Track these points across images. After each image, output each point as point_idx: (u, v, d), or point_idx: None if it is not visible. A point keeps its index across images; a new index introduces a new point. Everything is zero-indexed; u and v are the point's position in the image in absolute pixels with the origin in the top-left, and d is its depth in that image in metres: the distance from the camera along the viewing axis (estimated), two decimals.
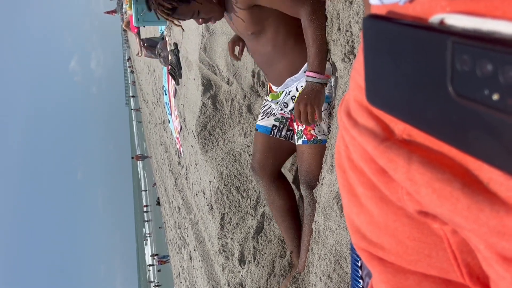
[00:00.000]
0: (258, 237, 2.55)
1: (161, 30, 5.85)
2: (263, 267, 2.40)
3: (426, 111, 0.31)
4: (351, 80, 0.46)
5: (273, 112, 1.83)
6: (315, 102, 1.44)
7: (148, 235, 55.26)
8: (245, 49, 1.89)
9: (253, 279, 2.45)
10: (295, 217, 1.94)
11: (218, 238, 2.90)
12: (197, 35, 3.24)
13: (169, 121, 5.80)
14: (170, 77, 4.59)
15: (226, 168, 2.92)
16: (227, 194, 2.85)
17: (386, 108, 0.36)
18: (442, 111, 0.29)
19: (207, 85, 3.15)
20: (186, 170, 4.70)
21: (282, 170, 2.03)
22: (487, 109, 0.25)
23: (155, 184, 16.03)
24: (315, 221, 1.63)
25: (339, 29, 1.46)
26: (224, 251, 2.88)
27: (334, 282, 1.40)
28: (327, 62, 1.55)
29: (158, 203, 14.05)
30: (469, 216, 0.31)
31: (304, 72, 1.63)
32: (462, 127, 0.28)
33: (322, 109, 1.51)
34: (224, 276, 2.92)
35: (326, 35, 1.48)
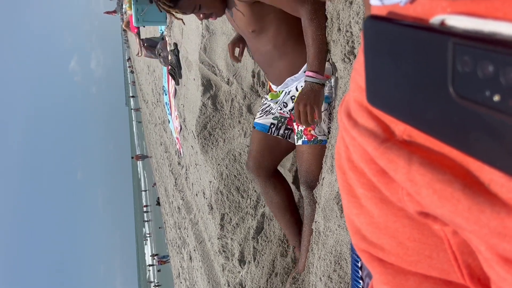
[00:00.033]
0: (258, 237, 2.55)
1: (161, 30, 5.85)
2: (263, 267, 2.40)
3: (426, 112, 0.31)
4: (351, 81, 0.46)
5: (272, 111, 1.82)
6: (315, 102, 1.44)
7: (148, 235, 55.27)
8: (245, 49, 1.89)
9: (253, 279, 2.45)
10: (294, 212, 1.93)
11: (218, 238, 2.90)
12: (197, 35, 3.24)
13: (169, 121, 5.80)
14: (170, 77, 4.59)
15: (226, 168, 2.92)
16: (227, 194, 2.85)
17: (387, 109, 0.36)
18: (443, 112, 0.29)
19: (207, 85, 3.15)
20: (186, 170, 4.70)
21: (282, 170, 2.03)
22: (488, 110, 0.25)
23: (155, 184, 16.03)
24: (315, 222, 1.63)
25: (339, 29, 1.46)
26: (224, 251, 2.88)
27: (334, 282, 1.40)
28: (327, 63, 1.55)
29: (158, 203, 14.05)
30: (469, 217, 0.31)
31: (304, 72, 1.63)
32: (463, 128, 0.28)
33: (322, 109, 1.51)
34: (224, 276, 2.92)
35: (326, 36, 1.48)
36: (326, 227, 1.49)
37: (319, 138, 1.63)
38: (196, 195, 4.09)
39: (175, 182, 5.77)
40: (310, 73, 1.45)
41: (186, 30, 3.70)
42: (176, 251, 6.88)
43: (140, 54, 6.05)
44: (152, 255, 39.66)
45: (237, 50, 1.86)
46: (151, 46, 5.53)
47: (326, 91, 1.60)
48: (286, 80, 1.68)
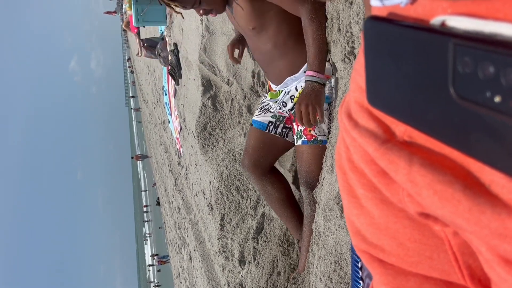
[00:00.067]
0: (258, 237, 2.55)
1: (161, 30, 5.86)
2: (263, 267, 2.40)
3: (427, 113, 0.31)
4: (352, 81, 0.46)
5: (271, 109, 1.82)
6: (316, 102, 1.43)
7: (148, 235, 55.28)
8: (245, 50, 1.89)
9: (253, 280, 2.45)
10: (294, 206, 1.92)
11: (218, 238, 2.90)
12: (197, 35, 3.24)
13: (169, 121, 5.80)
14: (170, 77, 4.60)
15: (226, 168, 2.92)
16: (227, 195, 2.85)
17: (387, 109, 0.36)
18: (443, 113, 0.29)
19: (207, 86, 3.15)
20: (186, 170, 4.70)
21: (282, 170, 2.03)
22: (489, 111, 0.25)
23: (155, 184, 16.03)
24: (315, 222, 1.63)
25: (339, 29, 1.46)
26: (224, 251, 2.88)
27: (334, 283, 1.40)
28: (327, 63, 1.55)
29: (158, 203, 14.05)
30: (470, 218, 0.31)
31: (304, 72, 1.63)
32: (464, 129, 0.28)
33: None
34: (224, 276, 2.92)
35: (326, 36, 1.48)
36: (326, 227, 1.49)
37: (319, 138, 1.63)
38: (196, 195, 4.09)
39: (175, 182, 5.77)
40: (311, 72, 1.44)
41: (186, 30, 3.70)
42: (176, 251, 6.88)
43: (140, 54, 6.06)
44: (152, 255, 39.68)
45: (236, 51, 1.86)
46: (151, 46, 5.53)
47: (326, 91, 1.60)
48: (285, 80, 1.68)
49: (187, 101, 3.84)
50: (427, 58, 0.29)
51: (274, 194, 1.85)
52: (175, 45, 4.29)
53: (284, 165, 2.42)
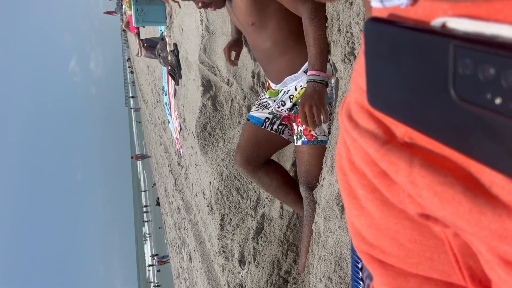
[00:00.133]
0: (258, 238, 2.55)
1: (160, 30, 5.86)
2: (263, 268, 2.40)
3: (427, 114, 0.31)
4: (352, 82, 0.46)
5: (269, 106, 1.82)
6: (320, 102, 1.42)
7: (147, 236, 55.27)
8: (243, 51, 1.89)
9: (253, 280, 2.45)
10: (296, 188, 1.87)
11: (218, 238, 2.90)
12: (197, 35, 3.24)
13: (168, 122, 5.80)
14: (169, 77, 4.60)
15: (226, 168, 2.92)
16: (227, 195, 2.85)
17: (388, 110, 0.36)
18: (444, 114, 0.29)
19: (207, 86, 3.15)
20: (186, 170, 4.70)
21: None
22: (489, 113, 0.25)
23: (154, 184, 16.03)
24: (315, 222, 1.63)
25: (339, 30, 1.46)
26: (224, 251, 2.88)
27: (334, 283, 1.40)
28: (327, 63, 1.55)
29: (158, 204, 14.05)
30: (470, 220, 0.31)
31: (304, 72, 1.63)
32: (464, 131, 0.28)
33: None
34: (224, 276, 2.92)
35: (327, 36, 1.48)
36: (326, 227, 1.49)
37: (320, 138, 1.62)
38: (196, 195, 4.09)
39: (175, 183, 5.77)
40: (313, 72, 1.44)
41: (186, 31, 3.70)
42: (176, 252, 6.88)
43: (140, 55, 6.06)
44: (152, 255, 39.68)
45: (233, 53, 1.86)
46: (151, 46, 5.53)
47: (327, 91, 1.60)
48: (285, 79, 1.68)
49: (187, 101, 3.84)
50: (428, 60, 0.29)
51: (272, 183, 1.83)
52: (175, 45, 4.29)
53: (284, 166, 2.42)
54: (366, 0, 0.44)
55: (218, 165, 2.99)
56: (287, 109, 1.76)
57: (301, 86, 1.68)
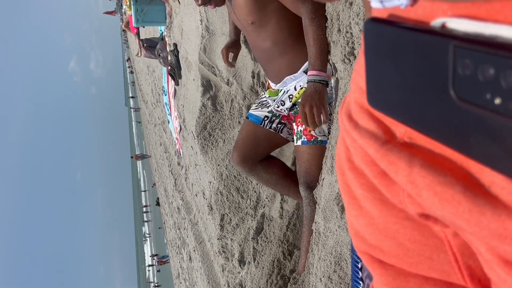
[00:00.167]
0: (258, 238, 2.55)
1: (160, 30, 5.86)
2: (263, 268, 2.40)
3: (427, 114, 0.31)
4: (352, 82, 0.46)
5: (268, 105, 1.82)
6: (320, 103, 1.43)
7: (147, 236, 55.27)
8: (243, 51, 1.90)
9: (253, 280, 2.45)
10: (297, 180, 1.87)
11: (218, 238, 2.90)
12: (196, 35, 3.24)
13: (168, 122, 5.80)
14: (169, 77, 4.60)
15: (226, 169, 2.92)
16: (227, 195, 2.85)
17: (387, 110, 0.36)
18: (443, 115, 0.29)
19: (207, 86, 3.15)
20: (186, 170, 4.70)
21: None
22: (489, 113, 0.25)
23: (154, 184, 16.03)
24: (315, 222, 1.63)
25: (339, 30, 1.46)
26: (224, 251, 2.88)
27: (334, 283, 1.40)
28: (327, 63, 1.55)
29: (158, 204, 14.05)
30: (470, 219, 0.31)
31: (304, 72, 1.63)
32: (464, 131, 0.28)
33: None
34: (224, 276, 2.92)
35: (327, 36, 1.48)
36: (326, 227, 1.49)
37: (319, 138, 1.62)
38: (196, 195, 4.09)
39: (175, 183, 5.77)
40: (313, 72, 1.44)
41: (186, 31, 3.70)
42: (175, 252, 6.88)
43: (139, 55, 6.06)
44: (152, 256, 39.68)
45: (231, 55, 1.87)
46: (151, 46, 5.53)
47: (327, 91, 1.60)
48: (285, 79, 1.68)
49: (187, 101, 3.84)
50: (428, 60, 0.29)
51: (272, 178, 1.83)
52: (175, 45, 4.29)
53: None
54: (366, 0, 0.44)
55: (218, 165, 2.99)
56: (286, 108, 1.76)
57: (300, 86, 1.68)
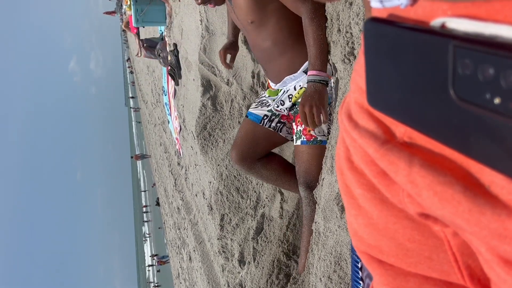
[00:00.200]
0: (258, 238, 2.55)
1: (160, 30, 5.86)
2: (263, 267, 2.40)
3: (427, 114, 0.31)
4: (352, 82, 0.46)
5: (268, 104, 1.82)
6: (320, 102, 1.43)
7: (147, 236, 55.28)
8: (243, 51, 1.90)
9: (253, 280, 2.45)
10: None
11: (218, 238, 2.90)
12: (196, 35, 3.24)
13: (168, 122, 5.80)
14: (169, 77, 4.60)
15: (226, 169, 2.92)
16: (226, 195, 2.85)
17: (387, 110, 0.36)
18: (443, 114, 0.29)
19: (207, 86, 3.15)
20: (186, 170, 4.70)
21: None
22: (488, 112, 0.25)
23: (154, 184, 16.03)
24: (315, 222, 1.63)
25: (339, 30, 1.46)
26: (223, 251, 2.88)
27: (334, 283, 1.40)
28: (327, 63, 1.55)
29: (158, 204, 14.05)
30: (470, 219, 0.31)
31: (304, 72, 1.63)
32: (464, 130, 0.28)
33: None
34: (224, 276, 2.92)
35: (326, 36, 1.48)
36: (326, 227, 1.49)
37: (319, 138, 1.63)
38: (196, 195, 4.09)
39: (175, 183, 5.77)
40: (313, 72, 1.44)
41: (186, 31, 3.70)
42: (175, 252, 6.88)
43: (139, 55, 6.06)
44: (152, 256, 39.69)
45: (228, 56, 1.87)
46: (151, 46, 5.53)
47: (327, 91, 1.60)
48: (284, 79, 1.68)
49: (186, 101, 3.84)
50: (427, 60, 0.29)
51: (272, 174, 1.83)
52: (175, 45, 4.29)
53: None
54: (365, 0, 0.44)
55: (218, 165, 2.99)
56: (286, 108, 1.76)
57: (300, 85, 1.68)
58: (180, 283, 6.49)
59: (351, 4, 1.37)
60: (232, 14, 1.67)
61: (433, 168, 0.33)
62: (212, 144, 3.08)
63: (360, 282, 1.18)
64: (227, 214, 2.85)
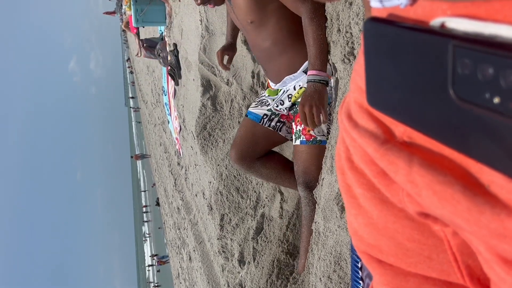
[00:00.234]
0: (258, 237, 2.55)
1: (160, 30, 5.86)
2: (262, 267, 2.40)
3: (426, 114, 0.31)
4: (352, 82, 0.46)
5: (268, 103, 1.82)
6: (320, 102, 1.43)
7: (147, 236, 55.28)
8: (243, 51, 1.90)
9: (252, 280, 2.45)
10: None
11: (218, 238, 2.90)
12: (196, 35, 3.24)
13: (168, 122, 5.80)
14: (169, 77, 4.60)
15: (226, 169, 2.92)
16: (226, 195, 2.85)
17: (387, 110, 0.36)
18: (443, 114, 0.29)
19: (207, 86, 3.15)
20: (186, 170, 4.70)
21: None
22: (488, 112, 0.25)
23: (154, 184, 16.03)
24: (315, 222, 1.63)
25: (339, 30, 1.46)
26: (223, 251, 2.88)
27: (334, 283, 1.40)
28: (327, 63, 1.55)
29: (158, 204, 14.05)
30: (469, 219, 0.31)
31: (304, 71, 1.63)
32: (463, 130, 0.28)
33: None
34: (223, 276, 2.92)
35: (326, 36, 1.48)
36: (326, 227, 1.49)
37: (318, 138, 1.62)
38: (196, 195, 4.09)
39: (175, 183, 5.77)
40: (313, 72, 1.44)
41: (186, 31, 3.70)
42: (175, 252, 6.88)
43: (139, 55, 6.06)
44: (152, 256, 39.69)
45: (226, 57, 1.87)
46: (151, 46, 5.53)
47: (327, 91, 1.60)
48: (284, 79, 1.68)
49: (186, 101, 3.84)
50: (427, 60, 0.29)
51: (272, 173, 1.83)
52: (175, 45, 4.29)
53: None
54: (365, 0, 0.44)
55: (218, 165, 2.99)
56: (285, 108, 1.76)
57: (300, 85, 1.68)
58: (180, 283, 6.49)
59: (351, 4, 1.37)
60: (231, 14, 1.67)
61: (433, 168, 0.33)
62: (212, 144, 3.08)
63: (360, 282, 1.18)
64: (227, 214, 2.85)
